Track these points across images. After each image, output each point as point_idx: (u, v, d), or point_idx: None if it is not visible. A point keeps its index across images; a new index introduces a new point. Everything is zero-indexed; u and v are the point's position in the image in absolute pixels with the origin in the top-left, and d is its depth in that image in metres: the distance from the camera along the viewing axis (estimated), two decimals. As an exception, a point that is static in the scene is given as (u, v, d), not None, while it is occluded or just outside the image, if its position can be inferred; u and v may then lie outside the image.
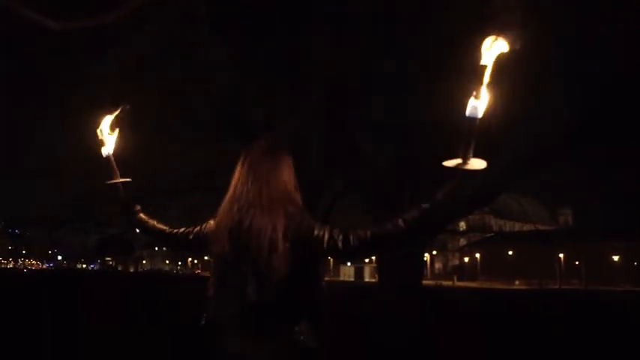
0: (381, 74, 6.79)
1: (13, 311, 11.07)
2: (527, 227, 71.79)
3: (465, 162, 1.47)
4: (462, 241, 69.47)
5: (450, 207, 1.55)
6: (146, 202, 8.39)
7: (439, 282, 48.53)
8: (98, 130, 2.25)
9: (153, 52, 5.43)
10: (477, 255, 63.45)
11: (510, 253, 58.50)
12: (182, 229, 2.21)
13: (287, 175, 1.97)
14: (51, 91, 6.63)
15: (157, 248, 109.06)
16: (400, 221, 1.64)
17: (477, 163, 1.49)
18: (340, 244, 1.73)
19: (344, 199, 9.02)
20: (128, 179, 2.27)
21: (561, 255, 51.88)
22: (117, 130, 2.26)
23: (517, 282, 50.83)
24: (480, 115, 1.41)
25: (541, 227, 68.65)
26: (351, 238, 1.72)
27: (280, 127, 5.50)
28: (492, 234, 69.37)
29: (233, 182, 1.99)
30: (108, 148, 2.25)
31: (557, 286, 44.82)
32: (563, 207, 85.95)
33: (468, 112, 1.42)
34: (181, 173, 9.20)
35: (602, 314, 15.06)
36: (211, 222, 2.07)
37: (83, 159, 6.49)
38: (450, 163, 1.49)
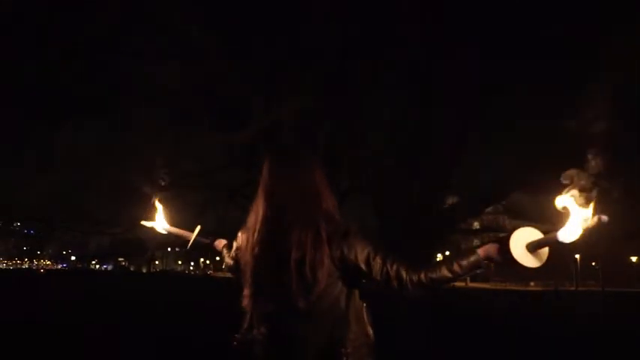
0: (387, 72, 6.57)
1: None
2: (541, 228, 70.74)
3: (533, 255, 1.65)
4: (476, 242, 68.60)
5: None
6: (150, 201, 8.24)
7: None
8: (142, 223, 2.25)
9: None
10: (491, 255, 62.54)
11: (525, 253, 57.62)
12: (232, 260, 2.09)
13: (318, 176, 1.86)
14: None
15: (169, 249, 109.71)
16: (456, 266, 1.68)
17: (538, 259, 1.68)
18: (395, 283, 1.66)
19: (350, 199, 8.77)
20: (198, 227, 2.22)
21: (577, 256, 51.05)
22: (159, 210, 2.23)
23: (532, 283, 50.10)
24: (570, 241, 1.54)
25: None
26: (405, 278, 1.65)
27: (280, 110, 5.28)
28: (506, 234, 68.46)
29: (260, 188, 1.86)
30: (164, 226, 2.22)
31: (573, 288, 44.08)
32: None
33: (561, 238, 1.54)
34: (185, 170, 9.01)
35: (618, 316, 14.64)
36: (240, 235, 1.94)
37: (77, 155, 6.34)
38: (520, 256, 1.63)
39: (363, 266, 1.69)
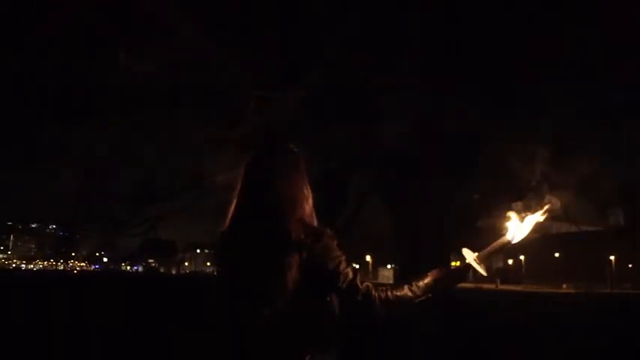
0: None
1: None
2: (575, 228, 68.73)
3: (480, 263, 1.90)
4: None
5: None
6: (174, 200, 8.24)
7: (479, 285, 47.02)
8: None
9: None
10: (522, 257, 61.32)
11: (557, 255, 56.24)
12: None
13: (295, 179, 1.79)
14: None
15: (198, 250, 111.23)
16: (415, 287, 1.76)
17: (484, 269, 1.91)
18: (360, 297, 1.68)
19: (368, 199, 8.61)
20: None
21: (612, 257, 49.46)
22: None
23: (564, 285, 48.75)
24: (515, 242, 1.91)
25: (590, 228, 65.98)
26: (373, 294, 1.69)
27: (282, 96, 5.16)
28: (538, 235, 66.97)
29: (238, 187, 1.82)
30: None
31: (607, 290, 42.71)
32: (613, 206, 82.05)
33: (509, 236, 1.91)
34: (200, 172, 8.99)
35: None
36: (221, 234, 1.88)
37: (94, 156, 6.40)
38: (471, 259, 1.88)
39: (331, 273, 1.68)
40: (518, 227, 1.92)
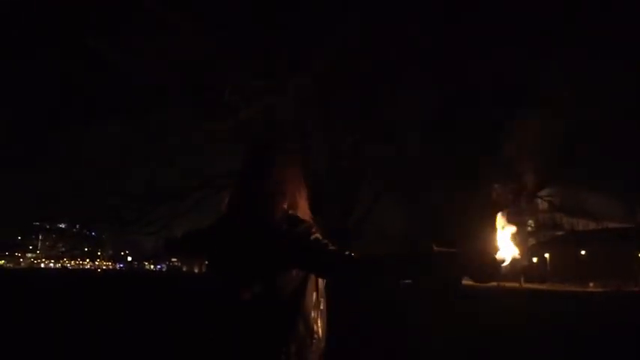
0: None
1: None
2: (602, 225, 67.06)
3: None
4: (531, 241, 66.13)
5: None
6: (182, 198, 8.23)
7: (502, 283, 46.18)
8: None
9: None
10: (546, 255, 60.15)
11: (583, 253, 54.98)
12: None
13: (281, 173, 1.81)
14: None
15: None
16: (403, 255, 1.71)
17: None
18: (341, 266, 1.63)
19: (382, 199, 8.43)
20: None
21: (641, 255, 48.14)
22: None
23: (591, 284, 47.63)
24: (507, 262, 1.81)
25: (617, 225, 64.42)
26: (351, 255, 1.65)
27: (281, 87, 5.05)
28: (563, 233, 65.58)
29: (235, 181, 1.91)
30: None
31: (636, 289, 41.57)
32: (642, 203, 79.89)
33: (498, 256, 1.79)
34: (211, 173, 8.99)
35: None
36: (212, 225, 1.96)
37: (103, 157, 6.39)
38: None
39: (310, 255, 1.67)
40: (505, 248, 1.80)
